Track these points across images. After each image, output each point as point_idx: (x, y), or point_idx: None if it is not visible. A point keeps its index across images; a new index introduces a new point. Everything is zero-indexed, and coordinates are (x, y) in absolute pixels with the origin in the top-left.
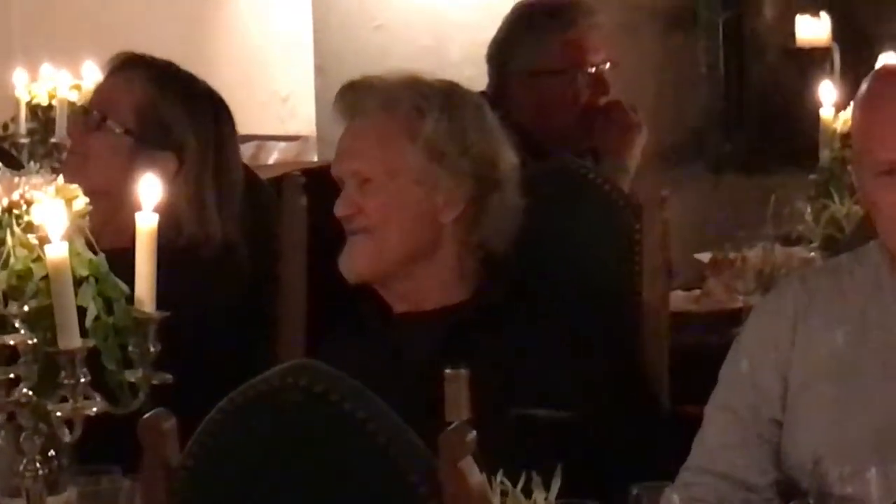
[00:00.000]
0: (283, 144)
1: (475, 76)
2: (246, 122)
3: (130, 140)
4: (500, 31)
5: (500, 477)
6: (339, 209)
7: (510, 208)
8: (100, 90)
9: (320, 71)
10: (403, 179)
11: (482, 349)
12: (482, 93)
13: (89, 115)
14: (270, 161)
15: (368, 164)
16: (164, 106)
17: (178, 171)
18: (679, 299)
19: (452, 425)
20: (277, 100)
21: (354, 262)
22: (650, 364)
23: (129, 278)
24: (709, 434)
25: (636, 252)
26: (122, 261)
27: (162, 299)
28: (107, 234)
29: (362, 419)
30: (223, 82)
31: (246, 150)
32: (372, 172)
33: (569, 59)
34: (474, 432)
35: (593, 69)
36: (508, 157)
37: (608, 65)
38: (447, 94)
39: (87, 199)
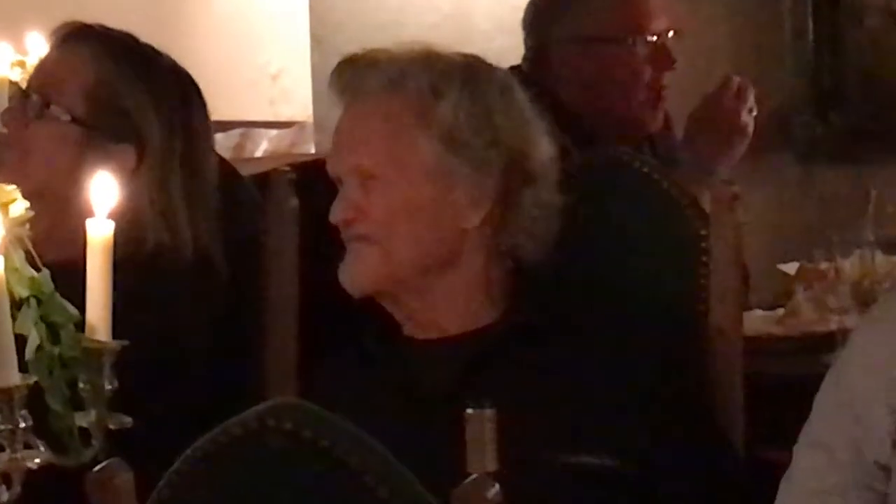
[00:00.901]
0: (272, 132)
1: (506, 47)
2: (226, 105)
3: (79, 130)
4: None
5: None
6: (337, 213)
7: (546, 208)
8: (42, 69)
9: (318, 42)
10: (415, 175)
11: (513, 383)
12: (515, 67)
13: (29, 100)
14: (258, 153)
15: (372, 157)
16: (121, 87)
17: (138, 167)
18: (757, 320)
19: (472, 477)
20: (265, 78)
21: (358, 272)
22: (720, 400)
23: (80, 299)
24: (798, 478)
25: (704, 263)
26: (70, 277)
27: (120, 324)
28: (52, 245)
29: (359, 470)
30: (196, 57)
31: (227, 141)
32: (376, 167)
33: (626, 25)
34: (497, 486)
35: (655, 37)
36: (544, 146)
37: (672, 33)
38: (468, 71)
39: (27, 203)
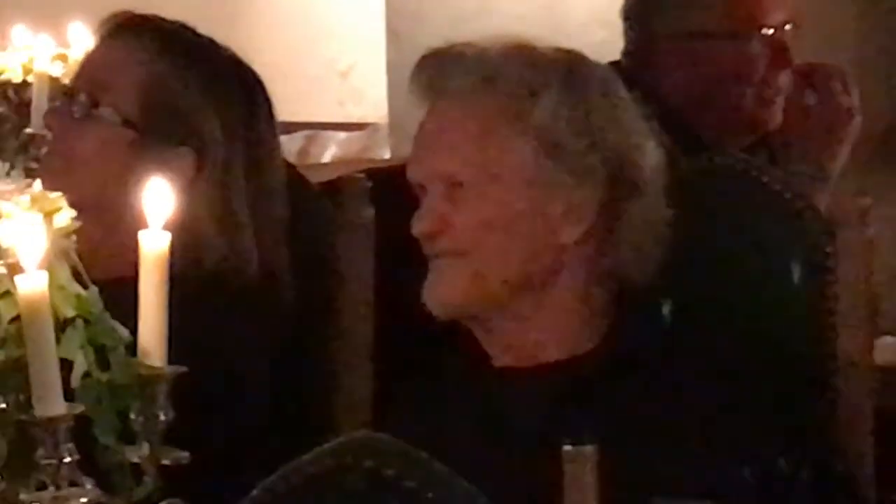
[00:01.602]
0: (342, 135)
1: (606, 41)
2: (290, 105)
3: (131, 133)
4: None
5: None
6: (420, 225)
7: (653, 222)
8: (88, 64)
9: (394, 35)
10: (509, 183)
11: (615, 417)
12: (613, 63)
13: (75, 100)
14: (325, 158)
15: (460, 164)
16: (177, 86)
17: (196, 174)
18: (889, 349)
19: None
20: (335, 74)
21: (443, 292)
22: (847, 438)
23: (132, 320)
24: None
25: (829, 283)
26: (121, 296)
27: (177, 348)
28: (101, 259)
29: None
30: (257, 51)
31: (290, 144)
32: (465, 174)
33: (739, 18)
34: None
35: (771, 31)
36: (651, 152)
37: (789, 26)
38: (566, 67)
39: (73, 213)
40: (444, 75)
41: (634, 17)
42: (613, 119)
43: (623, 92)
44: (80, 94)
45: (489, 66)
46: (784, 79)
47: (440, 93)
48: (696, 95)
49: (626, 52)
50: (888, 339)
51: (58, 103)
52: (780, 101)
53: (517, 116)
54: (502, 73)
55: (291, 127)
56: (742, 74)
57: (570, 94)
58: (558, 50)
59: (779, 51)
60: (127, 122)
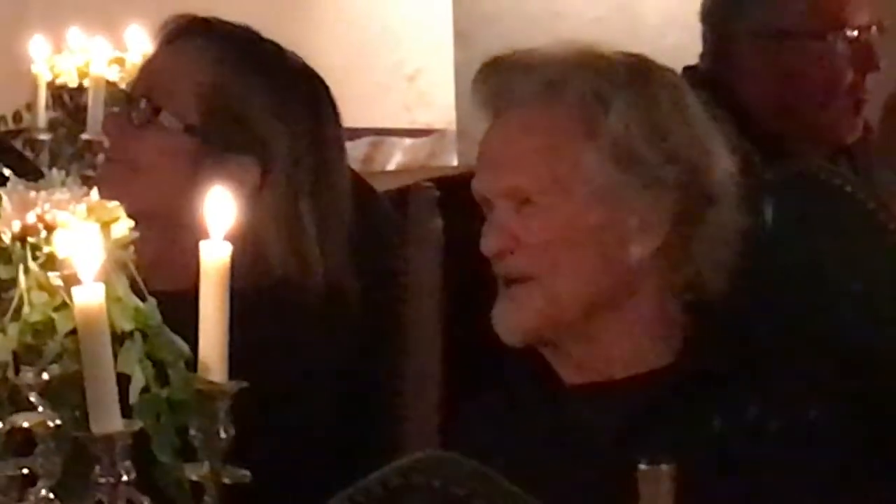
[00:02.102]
0: (408, 141)
1: (680, 45)
2: (354, 110)
3: (193, 140)
4: None
5: None
6: (490, 243)
7: (729, 233)
8: (148, 70)
9: (462, 39)
10: (581, 197)
11: (692, 434)
12: (690, 68)
13: (135, 106)
14: (390, 165)
15: (529, 178)
16: (241, 91)
17: (261, 184)
18: None
19: None
20: (400, 79)
21: (516, 320)
22: None
23: (192, 333)
24: None
25: None
26: (181, 309)
27: (239, 362)
28: (160, 271)
29: None
30: (325, 56)
31: (354, 151)
32: (534, 189)
33: (823, 19)
34: None
35: (856, 33)
36: (725, 160)
37: (876, 28)
38: (636, 74)
39: (132, 223)
40: (508, 83)
41: (714, 17)
42: (686, 126)
43: (693, 98)
44: (140, 100)
45: (555, 73)
46: (869, 84)
47: (505, 102)
48: (776, 99)
49: (704, 54)
50: None
51: (116, 109)
52: (863, 109)
53: (587, 126)
54: (569, 81)
55: (355, 133)
56: (826, 77)
57: (641, 102)
58: (625, 55)
59: (864, 54)
60: (189, 130)
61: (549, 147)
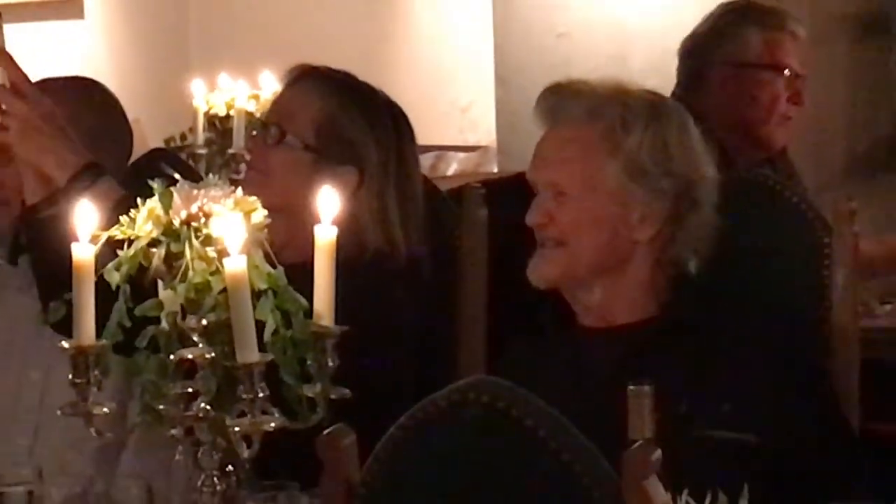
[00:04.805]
0: (462, 155)
1: (658, 86)
2: (425, 132)
3: (311, 156)
4: (703, 24)
5: (685, 497)
6: (533, 217)
7: (707, 226)
8: (278, 104)
9: (501, 81)
10: (600, 195)
11: (668, 366)
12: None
13: (268, 130)
14: (449, 172)
15: (567, 177)
16: (344, 120)
17: (359, 186)
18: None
19: (637, 443)
20: (457, 110)
21: (544, 270)
22: (840, 384)
23: (309, 293)
24: None
25: (827, 267)
26: (301, 275)
27: (345, 314)
28: (287, 249)
29: (545, 437)
30: (402, 93)
31: (425, 161)
32: (569, 185)
33: (774, 57)
34: (659, 451)
35: (791, 74)
36: (709, 174)
37: (800, 77)
38: (653, 108)
39: (265, 213)
40: (560, 104)
41: (694, 50)
42: (684, 149)
43: (693, 126)
44: (272, 127)
45: (596, 101)
46: (793, 111)
47: (557, 119)
48: (733, 116)
49: (678, 84)
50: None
51: (255, 133)
52: (789, 129)
53: (611, 145)
54: (604, 109)
55: (425, 149)
56: (769, 99)
57: (654, 129)
58: (647, 92)
59: (795, 91)
60: (307, 148)
61: (583, 157)
